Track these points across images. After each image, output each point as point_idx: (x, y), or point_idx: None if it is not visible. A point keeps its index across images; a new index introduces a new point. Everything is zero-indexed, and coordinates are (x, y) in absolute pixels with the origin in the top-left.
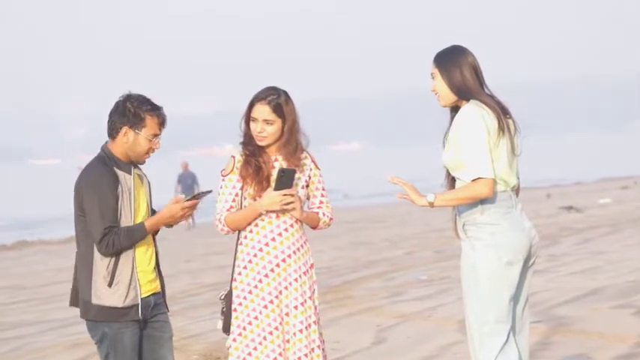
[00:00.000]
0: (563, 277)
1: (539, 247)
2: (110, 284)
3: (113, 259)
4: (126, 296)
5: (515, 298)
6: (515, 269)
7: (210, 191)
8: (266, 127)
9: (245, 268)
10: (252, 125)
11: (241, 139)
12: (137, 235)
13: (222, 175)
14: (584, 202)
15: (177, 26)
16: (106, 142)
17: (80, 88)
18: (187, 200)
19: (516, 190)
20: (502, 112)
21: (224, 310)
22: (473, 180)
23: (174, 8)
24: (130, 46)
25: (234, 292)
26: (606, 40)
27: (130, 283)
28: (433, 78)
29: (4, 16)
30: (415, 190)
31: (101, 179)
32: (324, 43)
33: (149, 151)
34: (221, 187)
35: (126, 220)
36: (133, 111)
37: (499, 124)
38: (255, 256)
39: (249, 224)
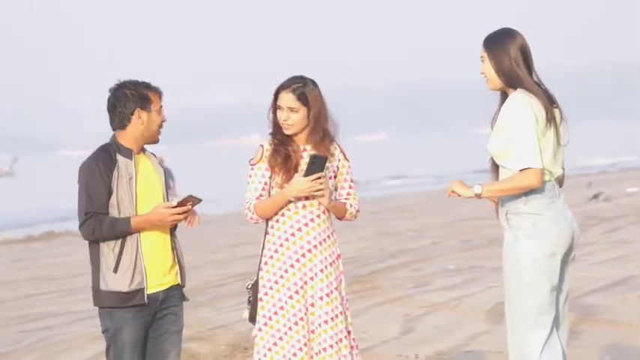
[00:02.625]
0: (591, 267)
1: (579, 239)
2: (115, 270)
3: (119, 245)
4: (131, 281)
5: (557, 294)
6: (557, 260)
7: (200, 200)
8: (291, 115)
9: (271, 257)
10: (278, 113)
11: (270, 129)
12: (120, 229)
13: (251, 164)
14: (611, 190)
15: (205, 17)
16: (113, 135)
17: (109, 80)
18: (177, 206)
19: (560, 181)
20: (549, 100)
21: (250, 299)
22: (520, 170)
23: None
24: (157, 38)
25: (260, 282)
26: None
27: (135, 268)
28: (482, 61)
29: (33, 12)
30: (461, 182)
31: (95, 163)
32: (353, 32)
33: (161, 125)
34: (250, 176)
35: (126, 206)
36: (136, 93)
37: (547, 113)
38: (281, 246)
39: (277, 213)
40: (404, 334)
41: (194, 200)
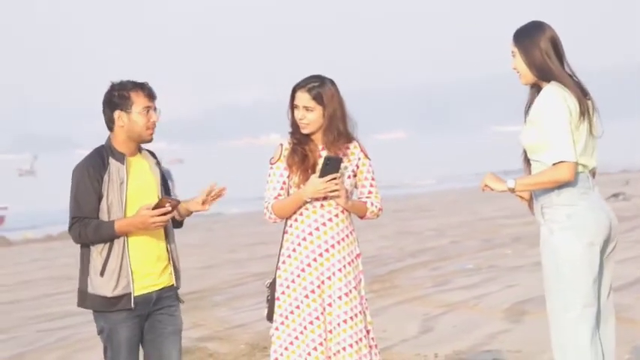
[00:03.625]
0: (614, 264)
1: (619, 231)
2: (102, 273)
3: (107, 249)
4: (115, 286)
5: (598, 285)
6: (596, 250)
7: (178, 202)
8: (307, 114)
9: (289, 257)
10: (295, 112)
11: (289, 128)
12: (104, 232)
13: (270, 164)
14: (631, 189)
15: (227, 15)
16: (108, 137)
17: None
18: (155, 207)
19: (593, 172)
20: (582, 92)
21: (269, 298)
22: (554, 163)
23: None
24: (173, 37)
25: (278, 281)
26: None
27: (120, 273)
28: (513, 56)
29: (47, 15)
30: (494, 176)
31: (85, 168)
32: (371, 31)
33: (148, 127)
34: (269, 175)
35: (116, 211)
36: (117, 94)
37: (580, 106)
38: (299, 245)
39: (295, 213)
40: (423, 334)
41: (171, 202)
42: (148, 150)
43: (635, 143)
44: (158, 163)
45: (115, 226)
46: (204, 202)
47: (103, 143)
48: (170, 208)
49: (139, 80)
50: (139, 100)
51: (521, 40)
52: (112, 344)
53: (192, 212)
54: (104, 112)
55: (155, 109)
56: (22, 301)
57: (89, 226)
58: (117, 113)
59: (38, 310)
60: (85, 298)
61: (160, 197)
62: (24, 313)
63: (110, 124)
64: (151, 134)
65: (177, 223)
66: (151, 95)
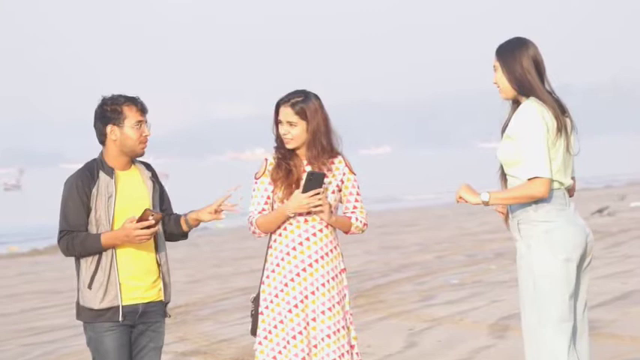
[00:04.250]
0: (594, 281)
1: (593, 245)
2: (90, 286)
3: (95, 262)
4: (102, 298)
5: (575, 300)
6: (573, 266)
7: (160, 215)
8: (290, 130)
9: (273, 271)
10: (279, 128)
11: (274, 143)
12: (90, 245)
13: (255, 178)
14: (615, 205)
15: (208, 27)
16: (100, 151)
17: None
18: (139, 220)
19: (570, 190)
20: (560, 110)
21: (253, 312)
22: (529, 179)
23: (205, 16)
24: (159, 52)
25: (262, 296)
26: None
27: (107, 286)
28: (495, 71)
29: (36, 25)
30: (469, 188)
31: (75, 182)
32: (356, 47)
33: (141, 140)
34: (254, 190)
35: (103, 224)
36: (109, 109)
37: (558, 123)
38: (282, 260)
39: (279, 227)
40: (408, 348)
41: (154, 214)
42: (144, 163)
43: (618, 159)
44: (154, 176)
45: (101, 239)
46: (217, 211)
47: (94, 157)
48: (153, 221)
49: (130, 95)
50: (131, 115)
51: (504, 54)
52: (99, 353)
53: (201, 222)
54: (96, 126)
55: (147, 122)
56: (9, 315)
57: (76, 239)
58: (109, 127)
59: (24, 324)
60: (79, 311)
61: (145, 210)
62: (11, 327)
63: (102, 138)
64: (144, 148)
65: (183, 234)
66: (143, 109)
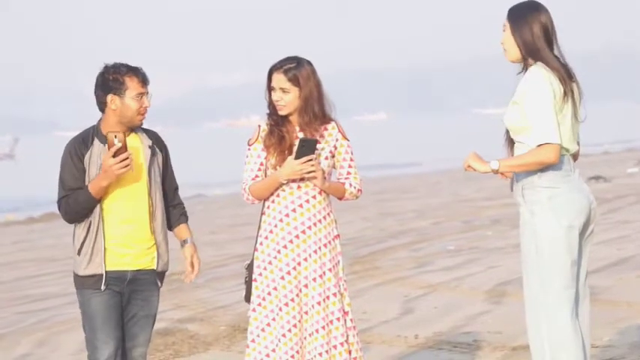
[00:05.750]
0: (591, 247)
1: (597, 212)
2: (79, 252)
3: (86, 229)
4: (87, 265)
5: (577, 267)
6: (575, 232)
7: (124, 136)
8: (283, 96)
9: (266, 238)
10: (272, 94)
11: (267, 110)
12: (82, 198)
13: (248, 145)
14: (611, 171)
15: None
16: (99, 118)
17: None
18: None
19: (574, 155)
20: (567, 75)
21: (247, 279)
22: (538, 145)
23: None
24: (155, 16)
25: (255, 263)
26: (626, 8)
27: (92, 252)
28: (504, 30)
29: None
30: (477, 156)
31: (69, 148)
32: (350, 13)
33: (140, 111)
34: (247, 157)
35: None
36: (111, 78)
37: (565, 88)
38: (275, 226)
39: (272, 194)
40: (404, 315)
41: (117, 135)
42: (147, 130)
43: (617, 125)
44: (155, 144)
45: (89, 187)
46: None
47: (92, 125)
48: (120, 144)
49: (132, 65)
50: (133, 86)
51: (514, 16)
52: (87, 315)
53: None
54: (96, 93)
55: (147, 94)
56: (4, 282)
57: (70, 199)
58: (110, 97)
59: (19, 291)
60: (74, 277)
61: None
62: (4, 295)
63: (101, 106)
64: (142, 119)
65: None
66: (144, 81)
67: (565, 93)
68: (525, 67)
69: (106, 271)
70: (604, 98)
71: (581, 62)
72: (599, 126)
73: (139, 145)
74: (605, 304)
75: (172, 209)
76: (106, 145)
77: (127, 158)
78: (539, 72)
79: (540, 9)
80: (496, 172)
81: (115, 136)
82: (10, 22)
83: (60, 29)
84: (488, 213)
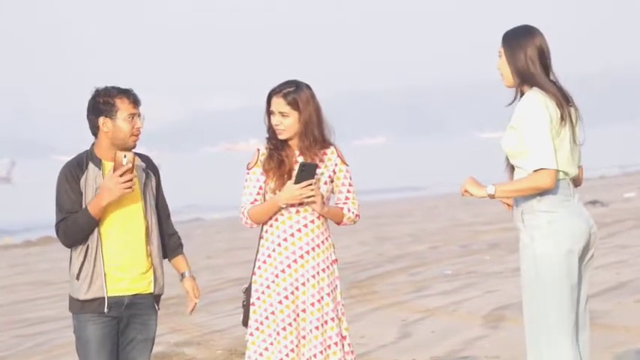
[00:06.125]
0: (591, 271)
1: (597, 237)
2: (77, 277)
3: (83, 253)
4: (88, 289)
5: (577, 293)
6: (575, 257)
7: (133, 155)
8: (282, 120)
9: (264, 262)
10: (271, 118)
11: (266, 134)
12: (81, 220)
13: (247, 169)
14: (609, 195)
15: (203, 18)
16: (92, 142)
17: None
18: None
19: (575, 180)
20: (564, 99)
21: (244, 303)
22: (535, 170)
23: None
24: (155, 43)
25: (253, 287)
26: (625, 31)
27: (92, 276)
28: (499, 56)
29: (33, 15)
30: (474, 181)
31: (64, 172)
32: (349, 36)
33: (133, 133)
34: (246, 180)
35: None
36: (102, 101)
37: (561, 112)
38: (273, 251)
39: (271, 218)
40: (401, 339)
41: (126, 154)
42: (140, 154)
43: (613, 149)
44: (148, 168)
45: (88, 208)
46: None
47: (86, 149)
48: (129, 165)
49: (123, 87)
50: (123, 107)
51: (509, 42)
52: (81, 342)
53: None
54: (88, 118)
55: (139, 115)
56: (2, 306)
57: (69, 221)
58: (101, 120)
59: (18, 314)
60: (69, 302)
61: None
62: (3, 318)
63: (94, 129)
64: (135, 140)
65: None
66: (135, 102)
67: (562, 117)
68: (521, 93)
69: (107, 295)
70: (600, 122)
71: (578, 85)
72: (595, 150)
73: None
74: (603, 328)
75: (168, 239)
76: (113, 164)
77: (131, 180)
78: (535, 97)
79: (535, 34)
80: (492, 196)
81: (125, 156)
82: (10, 46)
83: (59, 53)
84: (485, 237)
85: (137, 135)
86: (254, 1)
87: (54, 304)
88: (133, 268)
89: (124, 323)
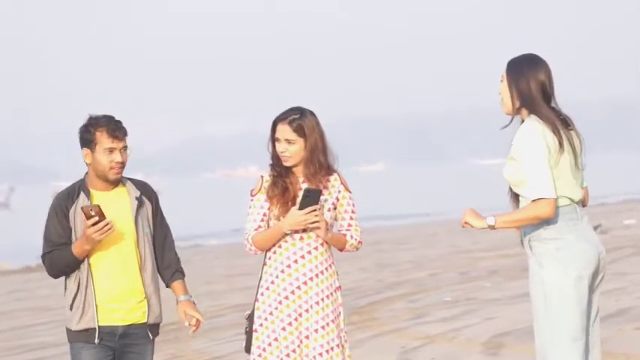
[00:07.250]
0: (600, 296)
1: (606, 262)
2: (71, 307)
3: (77, 283)
4: (79, 319)
5: (587, 318)
6: (585, 283)
7: (98, 206)
8: (288, 147)
9: (267, 289)
10: (277, 145)
11: (270, 161)
12: (65, 256)
13: (251, 195)
14: (608, 222)
15: (203, 44)
16: (86, 172)
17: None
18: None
19: (583, 201)
20: (563, 125)
21: (247, 330)
22: (534, 200)
23: (209, 28)
24: (154, 66)
25: (256, 313)
26: (627, 61)
27: (83, 307)
28: (501, 81)
29: (29, 40)
30: (474, 212)
31: (54, 204)
32: (348, 63)
33: (111, 167)
34: (250, 207)
35: None
36: (85, 131)
37: (559, 139)
38: (277, 277)
39: (274, 245)
40: None
41: (93, 208)
42: (136, 180)
43: (613, 176)
44: (144, 195)
45: (73, 250)
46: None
47: (80, 178)
48: (96, 217)
49: (114, 116)
50: (102, 140)
51: (513, 69)
52: None
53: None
54: (80, 146)
55: (124, 148)
56: (1, 332)
57: (54, 255)
58: (84, 151)
59: (17, 340)
60: (66, 330)
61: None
62: (2, 344)
63: (83, 159)
64: (116, 174)
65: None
66: (115, 136)
67: (560, 144)
68: (520, 118)
69: (98, 326)
70: (600, 149)
71: (579, 113)
72: (595, 177)
73: (124, 197)
74: (603, 355)
75: (167, 266)
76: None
77: (107, 224)
78: (533, 126)
79: (539, 63)
80: (493, 227)
81: (91, 209)
82: (11, 68)
83: (61, 77)
84: (485, 264)
85: (116, 169)
86: (254, 28)
87: (54, 330)
88: (127, 298)
89: (119, 354)
